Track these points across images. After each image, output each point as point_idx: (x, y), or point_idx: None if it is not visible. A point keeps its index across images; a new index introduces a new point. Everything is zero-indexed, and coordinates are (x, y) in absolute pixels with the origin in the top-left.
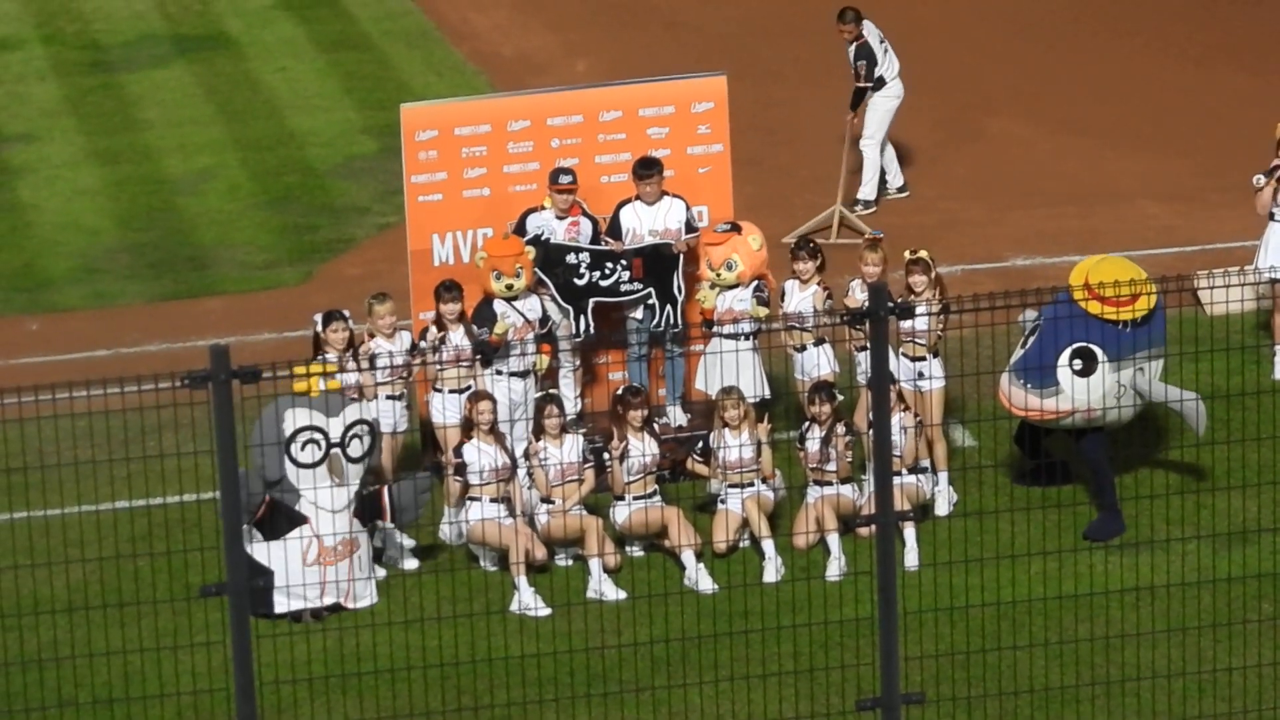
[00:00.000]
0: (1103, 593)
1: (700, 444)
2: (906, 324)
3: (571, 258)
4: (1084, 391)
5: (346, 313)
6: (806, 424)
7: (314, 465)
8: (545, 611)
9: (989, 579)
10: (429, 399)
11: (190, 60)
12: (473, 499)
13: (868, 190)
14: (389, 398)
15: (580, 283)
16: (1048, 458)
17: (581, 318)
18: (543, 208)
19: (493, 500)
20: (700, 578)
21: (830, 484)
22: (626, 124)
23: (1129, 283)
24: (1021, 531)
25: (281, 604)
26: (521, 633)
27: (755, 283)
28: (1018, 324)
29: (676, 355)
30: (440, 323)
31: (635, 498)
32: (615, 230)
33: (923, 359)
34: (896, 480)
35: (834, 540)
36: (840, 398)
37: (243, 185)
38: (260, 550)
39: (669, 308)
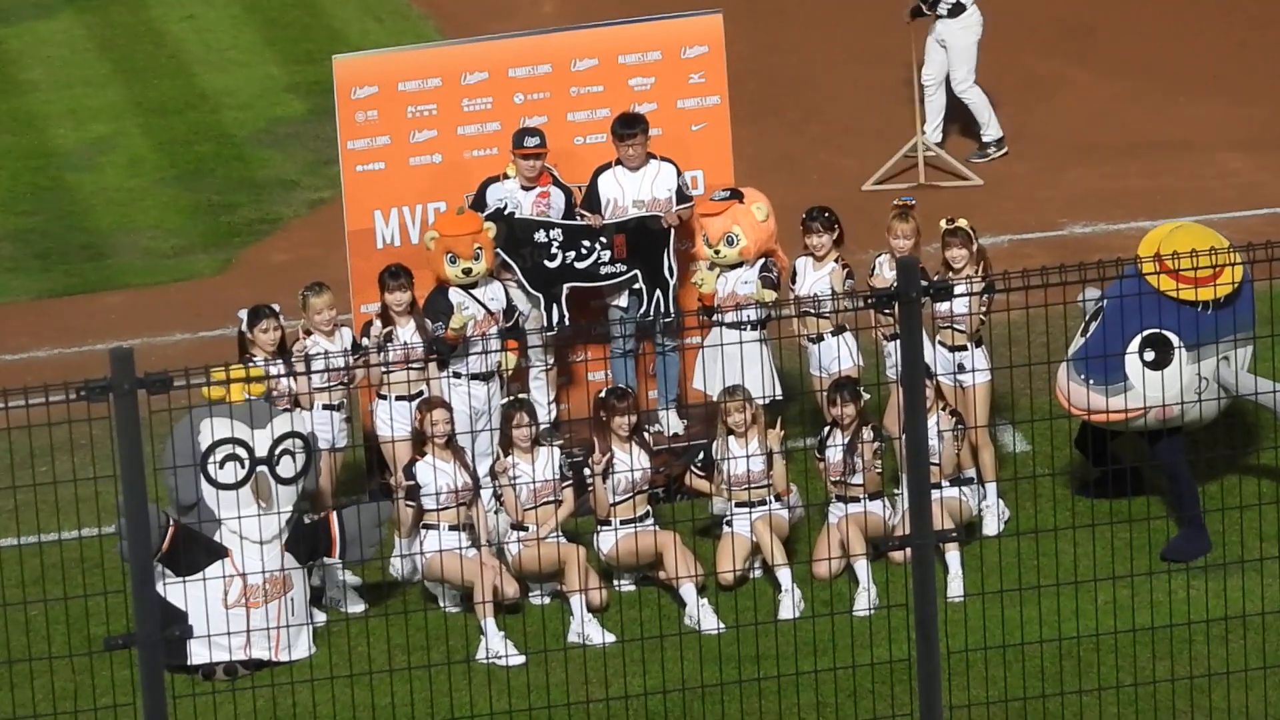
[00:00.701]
0: (1185, 624)
1: (700, 455)
2: (943, 307)
3: (541, 235)
4: (1158, 387)
5: (276, 307)
6: (826, 429)
7: (236, 486)
8: (518, 660)
9: (1048, 610)
10: (374, 408)
11: (80, 9)
12: (428, 527)
13: (991, 131)
14: (326, 407)
15: (552, 265)
16: (1115, 464)
17: (554, 307)
18: (505, 176)
19: (452, 528)
20: (703, 615)
21: (856, 500)
22: (604, 74)
23: (1209, 253)
24: (1086, 553)
25: (200, 654)
26: (490, 686)
27: (761, 260)
28: (1076, 305)
29: (669, 350)
30: (386, 316)
31: (623, 521)
32: (593, 201)
33: (963, 348)
34: (935, 494)
35: (862, 567)
36: (866, 396)
37: (146, 157)
38: (172, 591)
39: (659, 293)
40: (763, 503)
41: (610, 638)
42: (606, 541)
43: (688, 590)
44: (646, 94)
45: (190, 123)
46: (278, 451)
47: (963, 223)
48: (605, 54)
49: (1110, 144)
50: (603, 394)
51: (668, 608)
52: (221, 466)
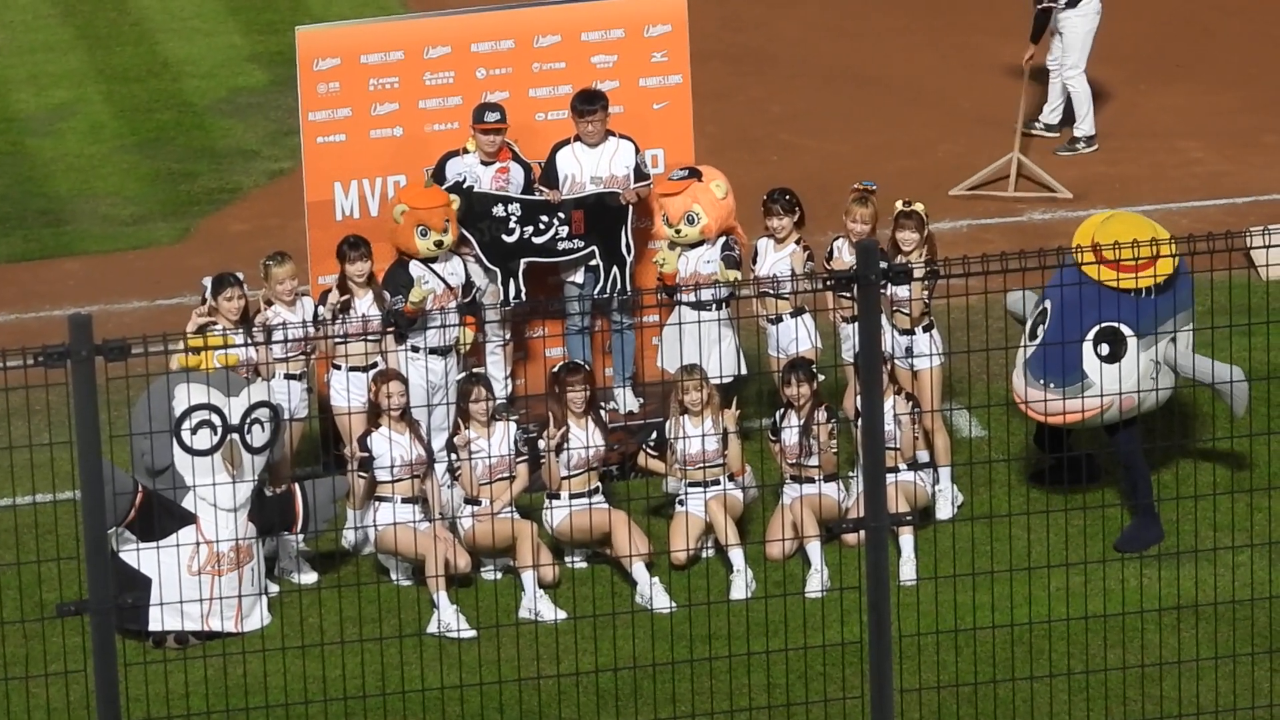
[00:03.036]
0: (1137, 612)
1: (654, 434)
2: (889, 291)
3: (499, 210)
4: (1116, 379)
5: (239, 275)
6: (781, 410)
7: (208, 453)
8: (469, 633)
9: (1000, 596)
10: (329, 379)
11: None
12: (381, 499)
13: (1085, 126)
14: (288, 377)
15: (510, 240)
16: (1071, 452)
17: (511, 282)
18: (465, 151)
19: (405, 500)
20: (655, 594)
21: (811, 481)
22: (566, 50)
23: (1150, 243)
24: (1040, 540)
25: (157, 619)
26: (441, 660)
27: (723, 239)
28: (1011, 313)
29: (625, 328)
30: (344, 286)
31: (573, 496)
32: (551, 177)
33: (910, 332)
34: (891, 477)
35: (815, 549)
36: (821, 378)
37: (106, 124)
38: (133, 556)
39: (615, 270)
40: (716, 482)
41: (561, 614)
42: (557, 515)
43: (639, 569)
44: (609, 71)
45: (151, 90)
46: (249, 420)
47: (918, 206)
48: (568, 31)
49: (1070, 130)
50: (557, 368)
51: (619, 585)
52: (195, 433)
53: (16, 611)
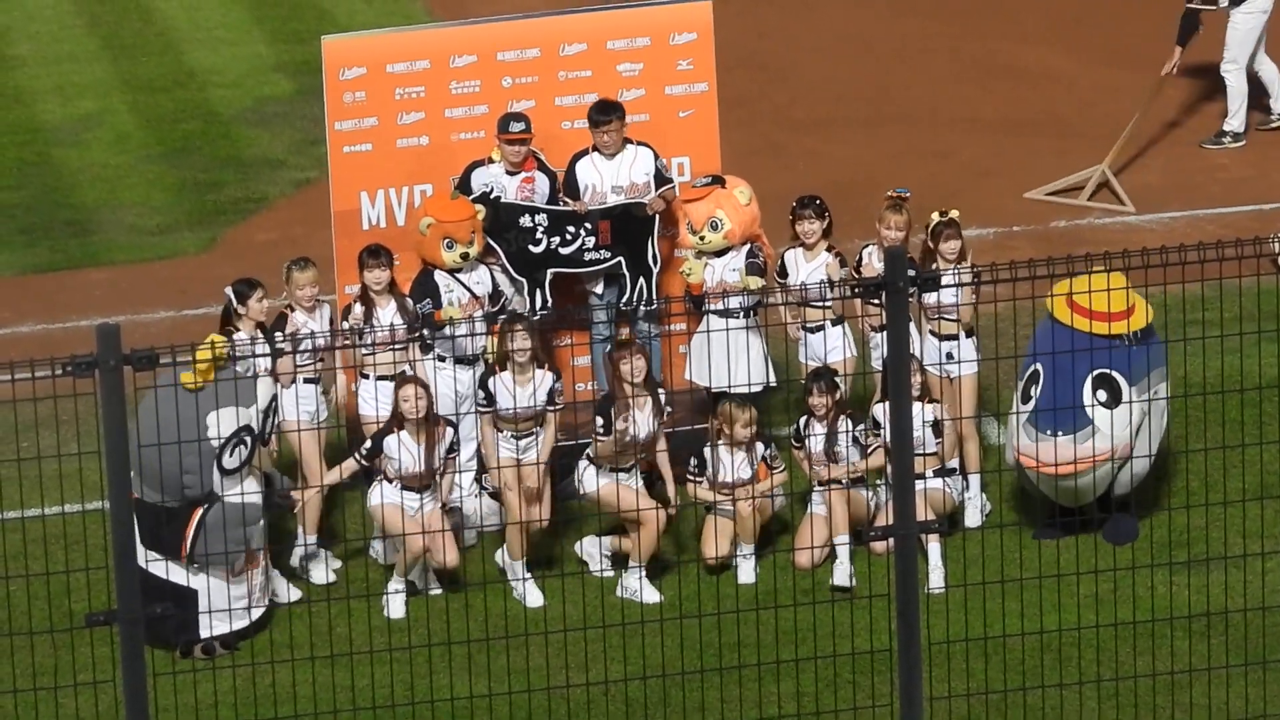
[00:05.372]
0: (1165, 620)
1: (694, 460)
2: (931, 298)
3: (526, 220)
4: (1118, 425)
5: (258, 280)
6: (804, 418)
7: (242, 467)
8: (399, 613)
9: (1029, 603)
10: (357, 388)
11: None
12: (384, 479)
13: (1235, 122)
14: (308, 381)
15: (536, 250)
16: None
17: (538, 292)
18: (490, 161)
19: (406, 488)
20: (644, 589)
21: (839, 483)
22: (592, 59)
23: (1123, 289)
24: (1067, 546)
25: (207, 627)
26: (470, 669)
27: (748, 246)
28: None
29: (652, 337)
30: (366, 296)
31: (615, 469)
32: (571, 188)
33: (954, 338)
34: (919, 485)
35: (844, 546)
36: (841, 387)
37: (132, 134)
38: (175, 570)
39: (641, 280)
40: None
41: (656, 596)
42: (590, 481)
43: (631, 576)
44: (634, 80)
45: (177, 100)
46: (269, 414)
47: (955, 213)
48: (594, 39)
49: (1096, 136)
50: (610, 347)
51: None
52: (231, 454)
53: (45, 621)
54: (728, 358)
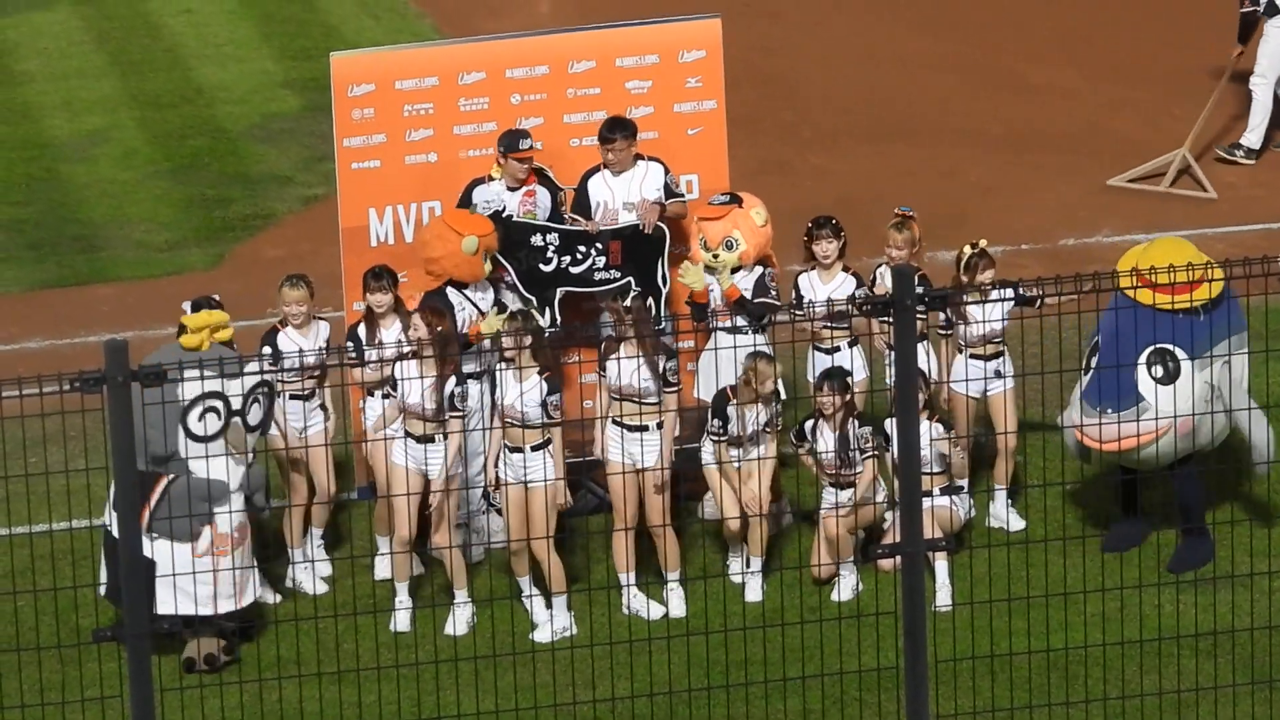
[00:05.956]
0: (1172, 638)
1: (716, 421)
2: (978, 329)
3: (537, 239)
4: (1172, 402)
5: (217, 297)
6: (812, 419)
7: (213, 439)
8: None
9: (1036, 622)
10: (363, 405)
11: (77, 1)
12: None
13: (1253, 137)
14: (294, 397)
15: (547, 269)
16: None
17: (547, 310)
18: (490, 178)
19: (417, 440)
20: (640, 605)
21: (851, 486)
22: (601, 76)
23: (1186, 267)
24: (1075, 565)
25: (166, 602)
26: (477, 686)
27: (760, 269)
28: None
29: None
30: (370, 316)
31: (626, 427)
32: (583, 205)
33: (999, 356)
34: (926, 502)
35: (849, 564)
36: (852, 388)
37: (140, 150)
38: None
39: (651, 300)
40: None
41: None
42: (613, 451)
43: (629, 579)
44: (643, 97)
45: (185, 117)
46: (249, 401)
47: (984, 243)
48: (603, 56)
49: (1103, 153)
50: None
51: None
52: (200, 420)
53: (53, 637)
54: (736, 375)
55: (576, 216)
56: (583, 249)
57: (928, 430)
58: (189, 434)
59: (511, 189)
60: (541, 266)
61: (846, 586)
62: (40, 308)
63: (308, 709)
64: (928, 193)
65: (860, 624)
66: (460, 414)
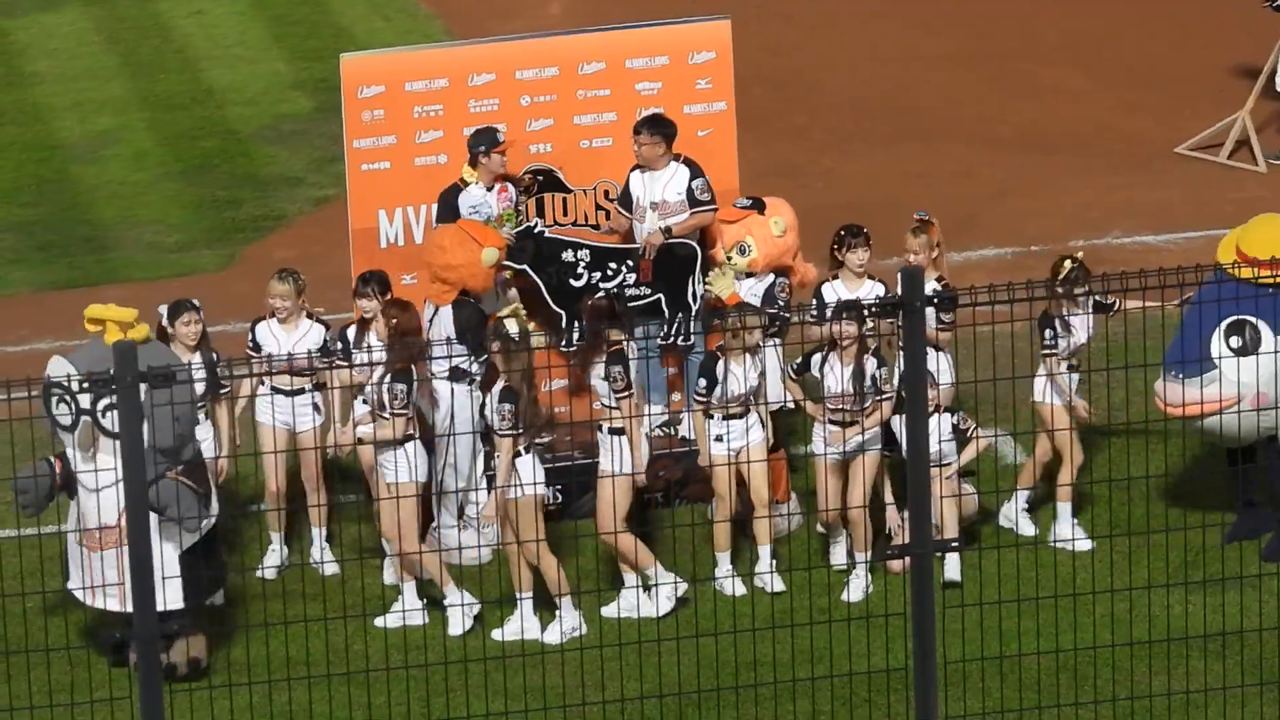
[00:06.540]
0: (1181, 639)
1: (703, 382)
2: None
3: (569, 255)
4: (1246, 372)
5: (195, 301)
6: (823, 350)
7: (69, 429)
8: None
9: (1045, 622)
10: (354, 410)
11: (88, 2)
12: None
13: None
14: (279, 391)
15: (577, 285)
16: (1251, 504)
17: (575, 324)
18: (464, 182)
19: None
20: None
21: (855, 424)
22: (611, 78)
23: None
24: (1084, 566)
25: (75, 579)
26: (487, 687)
27: (772, 279)
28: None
29: (694, 352)
30: (362, 320)
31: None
32: (625, 199)
33: (1075, 369)
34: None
35: (859, 551)
36: (869, 324)
37: (151, 151)
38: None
39: (680, 316)
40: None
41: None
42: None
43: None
44: (653, 98)
45: (196, 118)
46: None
47: (1081, 255)
48: (612, 58)
49: (1113, 155)
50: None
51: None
52: (57, 406)
53: (62, 639)
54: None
55: (620, 207)
56: (614, 265)
57: (937, 424)
58: (53, 420)
59: (489, 188)
60: (572, 282)
61: (856, 588)
62: (50, 309)
63: (317, 710)
64: (939, 195)
65: (870, 625)
66: (404, 415)
